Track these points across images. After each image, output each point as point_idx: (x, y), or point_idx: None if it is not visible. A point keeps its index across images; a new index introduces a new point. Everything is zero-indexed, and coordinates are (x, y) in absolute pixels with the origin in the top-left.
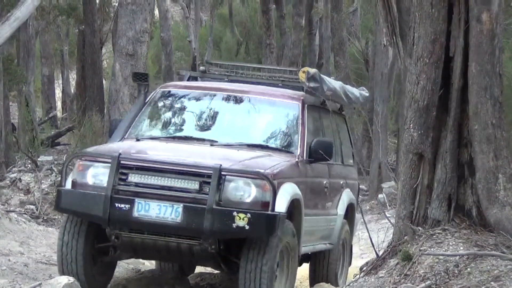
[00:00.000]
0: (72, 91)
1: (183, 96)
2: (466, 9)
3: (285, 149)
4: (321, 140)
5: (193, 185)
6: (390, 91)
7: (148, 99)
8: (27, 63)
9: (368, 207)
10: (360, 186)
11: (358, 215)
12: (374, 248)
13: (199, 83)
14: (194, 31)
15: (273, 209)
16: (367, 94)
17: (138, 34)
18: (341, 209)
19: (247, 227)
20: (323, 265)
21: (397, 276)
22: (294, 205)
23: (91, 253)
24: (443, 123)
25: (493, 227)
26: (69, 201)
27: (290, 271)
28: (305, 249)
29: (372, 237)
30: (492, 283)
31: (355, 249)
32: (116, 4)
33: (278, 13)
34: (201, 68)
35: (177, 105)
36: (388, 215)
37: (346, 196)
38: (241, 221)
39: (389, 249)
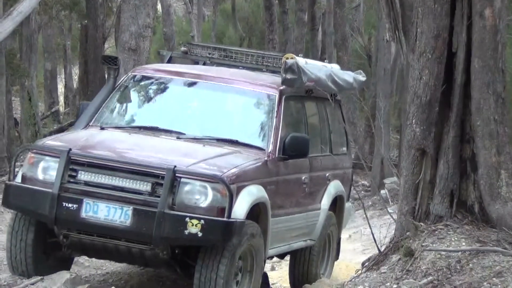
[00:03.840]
0: (75, 85)
1: (154, 82)
2: (469, 5)
3: (256, 145)
4: (296, 136)
5: (145, 186)
6: (392, 87)
7: (118, 83)
8: (29, 57)
9: (370, 203)
10: (362, 182)
11: (349, 206)
12: (376, 244)
13: (172, 68)
14: (197, 26)
15: (229, 216)
16: (363, 79)
17: (141, 29)
18: (325, 203)
19: (200, 234)
20: (303, 262)
21: (399, 271)
22: (259, 208)
23: (42, 248)
24: (446, 118)
25: (495, 223)
26: (16, 197)
27: (254, 275)
28: (277, 250)
29: (374, 232)
30: (494, 279)
31: (357, 245)
32: None
33: (281, 9)
34: (183, 48)
35: (147, 92)
36: (390, 210)
37: (333, 188)
38: (193, 227)
39: (391, 245)
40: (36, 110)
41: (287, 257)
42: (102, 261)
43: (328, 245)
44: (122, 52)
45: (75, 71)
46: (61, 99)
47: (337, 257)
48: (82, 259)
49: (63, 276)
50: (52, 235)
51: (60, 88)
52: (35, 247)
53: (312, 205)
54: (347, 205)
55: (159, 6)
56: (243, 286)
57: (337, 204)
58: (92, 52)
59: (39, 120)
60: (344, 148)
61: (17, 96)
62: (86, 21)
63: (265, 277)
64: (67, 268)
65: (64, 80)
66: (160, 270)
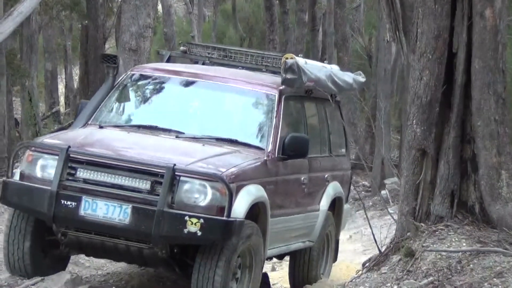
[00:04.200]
0: (75, 86)
1: (153, 81)
2: (470, 5)
3: (256, 144)
4: (296, 136)
5: (145, 184)
6: (393, 87)
7: (117, 82)
8: (30, 58)
9: (371, 203)
10: (362, 182)
11: (347, 208)
12: (376, 244)
13: (171, 67)
14: (198, 27)
15: (229, 215)
16: (362, 80)
17: (141, 29)
18: (324, 205)
19: (199, 233)
20: (303, 263)
21: (400, 272)
22: (258, 208)
23: (40, 246)
24: (446, 119)
25: (496, 224)
26: (14, 194)
27: (253, 275)
28: (275, 251)
29: (374, 233)
30: (494, 279)
31: (357, 245)
32: None
33: (281, 9)
34: (182, 48)
35: (146, 91)
36: (391, 211)
37: (332, 190)
38: (193, 226)
39: (391, 245)
40: (36, 111)
41: (287, 257)
42: (102, 261)
43: (327, 246)
44: (122, 52)
45: (76, 72)
46: (62, 99)
47: (335, 259)
48: (83, 260)
49: (63, 276)
50: (50, 233)
51: (61, 88)
52: (33, 245)
53: (311, 206)
54: (346, 207)
55: (159, 7)
56: (242, 286)
57: (335, 205)
58: (92, 52)
59: (39, 121)
60: (343, 150)
61: (18, 96)
62: (86, 22)
63: (265, 277)
64: (64, 266)
65: (64, 80)
66: (159, 269)
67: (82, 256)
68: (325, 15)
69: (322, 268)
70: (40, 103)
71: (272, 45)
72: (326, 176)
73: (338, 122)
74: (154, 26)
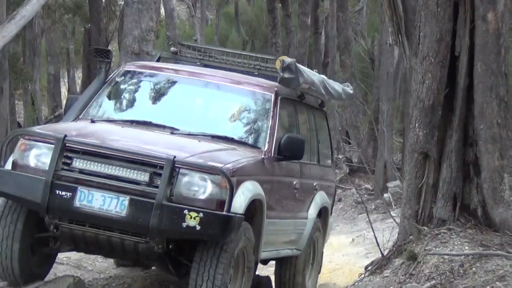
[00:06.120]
0: (78, 89)
1: (147, 78)
2: (472, 9)
3: (252, 143)
4: (292, 136)
5: (143, 176)
6: (395, 90)
7: (109, 77)
8: (33, 61)
9: (373, 207)
10: (365, 185)
11: (331, 220)
12: (379, 248)
13: (165, 65)
14: (200, 30)
15: (229, 210)
16: (351, 91)
17: (144, 32)
18: (312, 213)
19: (198, 227)
20: (289, 272)
21: (402, 275)
22: (255, 205)
23: (29, 243)
24: (449, 122)
25: (499, 227)
26: (6, 183)
27: (245, 278)
28: (266, 254)
29: (377, 236)
30: (497, 282)
31: (360, 249)
32: (122, 3)
33: (284, 12)
34: (173, 49)
35: (140, 87)
36: (393, 214)
37: (319, 199)
38: (192, 220)
39: (394, 249)
40: (39, 114)
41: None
42: (105, 265)
43: (313, 258)
44: (125, 55)
45: (78, 75)
46: (64, 102)
47: (319, 271)
48: (86, 263)
49: (66, 280)
50: (40, 230)
51: (63, 91)
52: (23, 245)
53: (300, 212)
54: (330, 219)
55: (162, 10)
56: (234, 286)
57: (322, 215)
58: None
59: (42, 124)
60: (329, 161)
61: (20, 100)
62: (89, 25)
63: (268, 281)
64: (50, 265)
65: (67, 83)
66: (152, 266)
67: (85, 259)
68: (328, 18)
69: (307, 277)
70: (42, 107)
71: (275, 48)
72: (314, 184)
73: (325, 133)
74: (157, 29)
